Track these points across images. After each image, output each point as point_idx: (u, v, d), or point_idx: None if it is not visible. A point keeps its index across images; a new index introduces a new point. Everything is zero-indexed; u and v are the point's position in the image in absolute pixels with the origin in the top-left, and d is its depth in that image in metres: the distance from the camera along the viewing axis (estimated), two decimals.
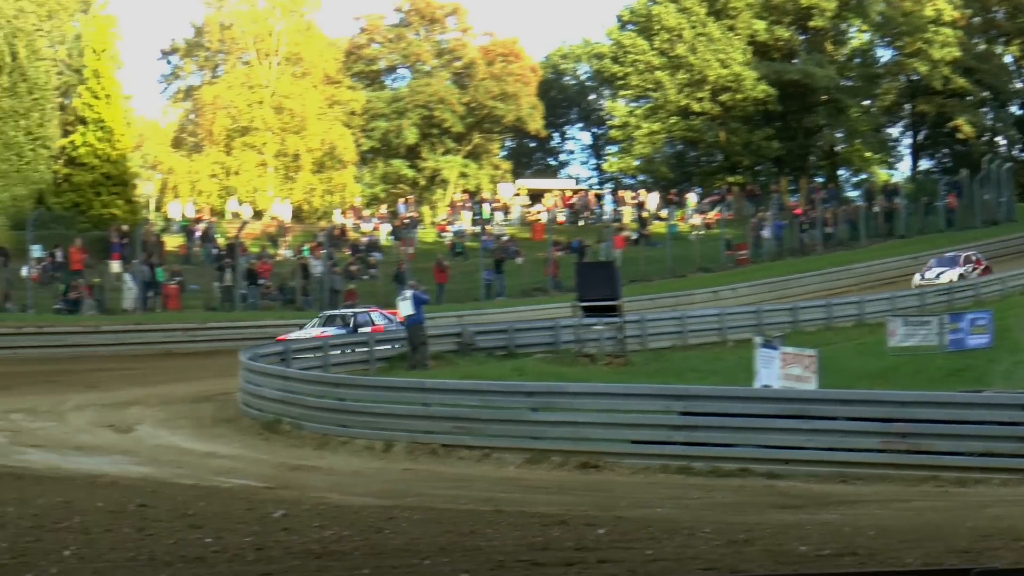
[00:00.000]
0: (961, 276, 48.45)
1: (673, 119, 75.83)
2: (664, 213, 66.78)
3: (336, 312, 38.45)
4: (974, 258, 50.72)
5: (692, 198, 69.34)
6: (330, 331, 35.13)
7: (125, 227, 53.85)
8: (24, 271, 46.22)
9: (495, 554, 11.76)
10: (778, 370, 21.46)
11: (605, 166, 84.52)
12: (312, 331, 35.74)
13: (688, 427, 19.69)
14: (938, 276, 48.05)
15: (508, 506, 15.95)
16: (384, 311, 37.56)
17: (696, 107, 74.69)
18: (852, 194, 76.55)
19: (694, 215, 66.74)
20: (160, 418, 26.55)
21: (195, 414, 27.16)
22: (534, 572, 10.97)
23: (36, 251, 47.60)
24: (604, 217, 66.27)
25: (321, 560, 11.35)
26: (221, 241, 56.43)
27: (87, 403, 28.34)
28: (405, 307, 32.41)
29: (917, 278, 48.51)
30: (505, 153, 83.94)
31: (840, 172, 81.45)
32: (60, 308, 44.18)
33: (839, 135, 78.57)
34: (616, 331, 33.15)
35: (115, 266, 49.13)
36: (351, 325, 36.08)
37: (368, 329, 35.69)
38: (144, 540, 12.24)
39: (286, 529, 13.03)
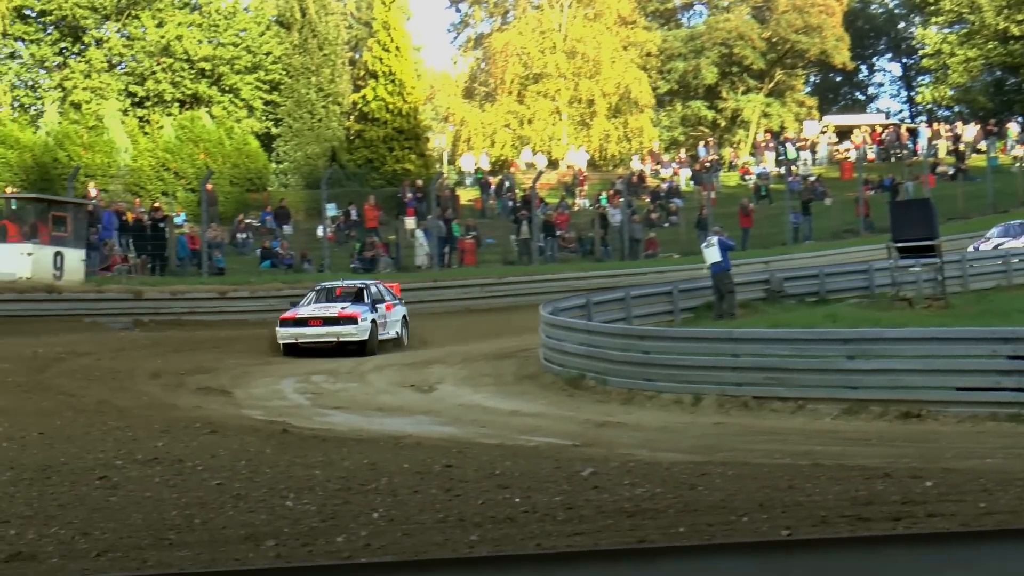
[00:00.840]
0: None
1: (991, 44, 73.46)
2: (983, 145, 64.77)
3: (334, 284, 34.35)
4: None
5: (1014, 128, 67.04)
6: (335, 307, 31.76)
7: (419, 182, 54.90)
8: (319, 231, 47.41)
9: (816, 509, 11.59)
10: None
11: (917, 98, 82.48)
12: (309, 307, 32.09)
13: (1019, 372, 19.06)
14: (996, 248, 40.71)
15: (826, 459, 15.70)
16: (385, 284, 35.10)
17: (1016, 30, 72.14)
18: None
19: (1016, 146, 64.59)
20: (461, 376, 26.95)
21: (496, 371, 27.50)
22: (859, 527, 10.78)
23: (330, 210, 48.74)
24: (918, 152, 64.73)
25: (634, 519, 11.35)
26: (517, 193, 56.98)
27: (387, 363, 28.95)
28: (710, 254, 32.21)
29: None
30: (809, 89, 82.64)
31: None
32: (356, 267, 45.17)
33: None
34: (935, 272, 32.37)
35: (409, 222, 50.07)
36: (364, 300, 32.34)
37: (383, 307, 32.70)
38: (452, 501, 12.44)
39: (596, 488, 13.06)
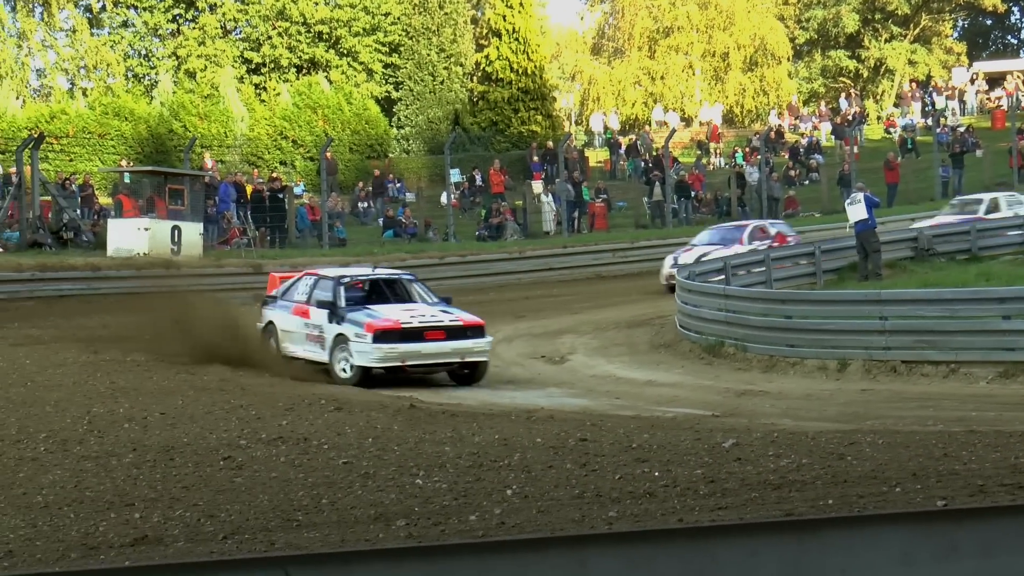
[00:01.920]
0: None
1: None
2: None
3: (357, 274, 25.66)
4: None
5: None
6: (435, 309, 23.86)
7: (546, 144, 54.90)
8: (443, 198, 47.57)
9: (973, 478, 11.49)
10: None
11: None
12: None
13: None
14: None
15: (982, 425, 15.55)
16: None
17: None
18: None
19: None
20: (594, 346, 26.98)
21: (630, 340, 27.49)
22: (1021, 496, 10.68)
23: (455, 175, 48.89)
24: None
25: (780, 491, 11.33)
26: (647, 153, 56.78)
27: (516, 334, 29.00)
28: (855, 212, 31.87)
29: None
30: (958, 34, 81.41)
31: None
32: (482, 234, 45.31)
33: None
34: None
35: (537, 186, 50.05)
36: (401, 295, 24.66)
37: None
38: (588, 476, 12.47)
39: (739, 459, 13.04)
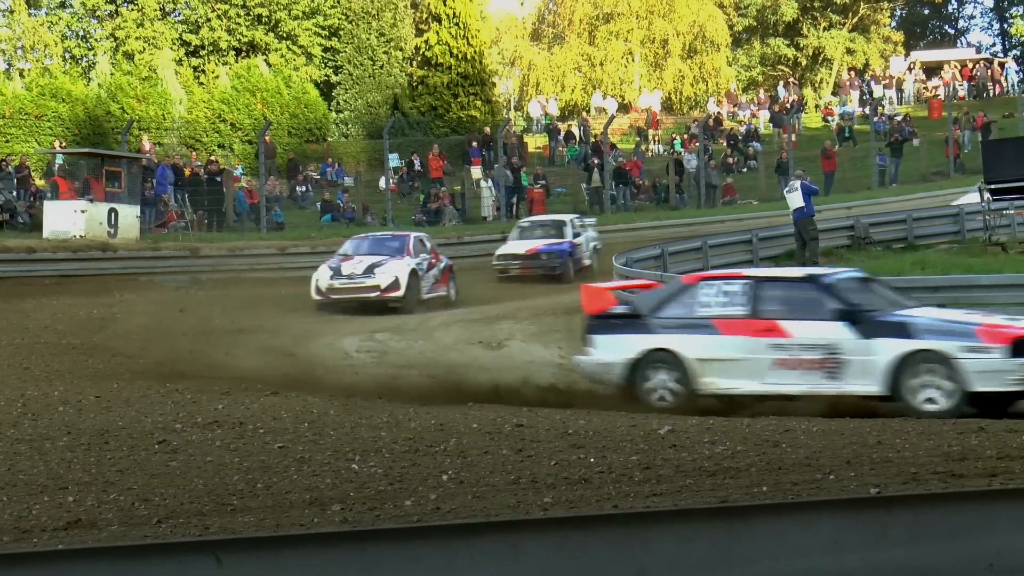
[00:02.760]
0: None
1: None
2: None
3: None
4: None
5: None
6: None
7: (485, 129, 54.88)
8: (381, 182, 47.51)
9: (907, 466, 11.58)
10: None
11: (1012, 31, 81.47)
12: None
13: None
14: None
15: (916, 414, 15.69)
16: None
17: None
18: None
19: None
20: (531, 332, 26.94)
21: (568, 327, 27.42)
22: (952, 484, 10.76)
23: (393, 160, 48.85)
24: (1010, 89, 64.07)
25: (715, 478, 11.38)
26: (582, 138, 56.84)
27: (453, 319, 28.97)
28: (793, 200, 32.02)
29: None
30: (895, 23, 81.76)
31: None
32: (420, 219, 45.29)
33: None
34: None
35: (476, 172, 50.06)
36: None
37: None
38: (524, 462, 12.49)
39: (674, 446, 13.09)
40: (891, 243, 34.70)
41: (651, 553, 5.49)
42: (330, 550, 5.37)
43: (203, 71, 58.93)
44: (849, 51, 75.86)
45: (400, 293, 30.60)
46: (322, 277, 30.95)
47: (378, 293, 30.54)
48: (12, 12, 59.56)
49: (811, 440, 13.33)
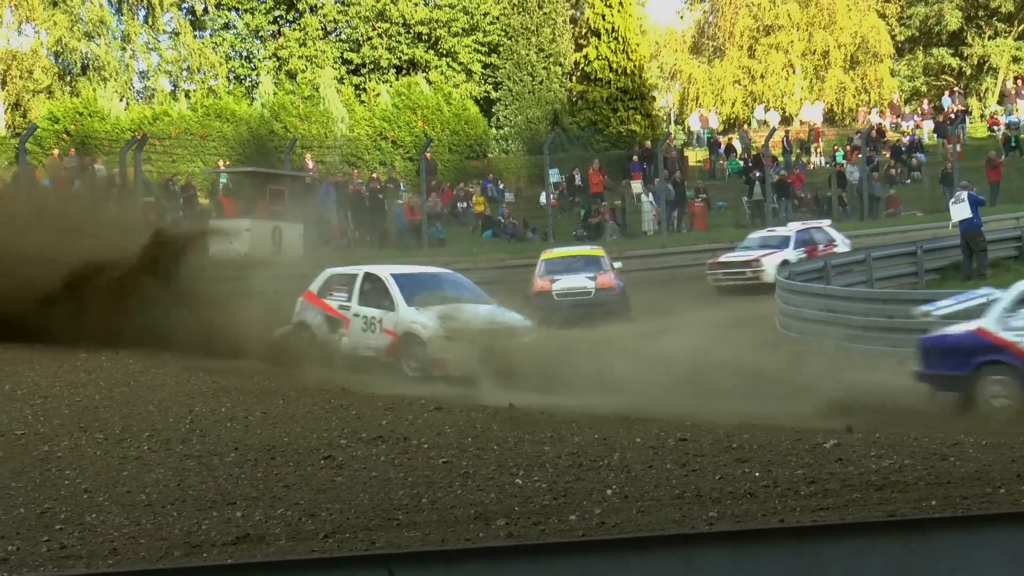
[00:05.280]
0: None
1: None
2: None
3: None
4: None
5: None
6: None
7: (645, 144, 54.79)
8: (542, 198, 47.58)
9: None
10: None
11: None
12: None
13: None
14: None
15: None
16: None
17: None
18: None
19: None
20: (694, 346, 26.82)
21: (731, 340, 27.32)
22: None
23: (553, 175, 48.91)
24: None
25: (882, 492, 11.24)
26: (743, 152, 56.51)
27: (616, 335, 28.90)
28: (959, 211, 31.56)
29: None
30: None
31: None
32: (581, 234, 45.26)
33: None
34: None
35: (636, 186, 49.99)
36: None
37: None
38: (688, 476, 12.43)
39: (840, 460, 12.94)
40: None
41: (825, 567, 5.43)
42: (502, 564, 5.37)
43: (364, 89, 59.56)
44: (1015, 59, 74.62)
45: None
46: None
47: None
48: (178, 34, 60.67)
49: (980, 453, 13.10)
